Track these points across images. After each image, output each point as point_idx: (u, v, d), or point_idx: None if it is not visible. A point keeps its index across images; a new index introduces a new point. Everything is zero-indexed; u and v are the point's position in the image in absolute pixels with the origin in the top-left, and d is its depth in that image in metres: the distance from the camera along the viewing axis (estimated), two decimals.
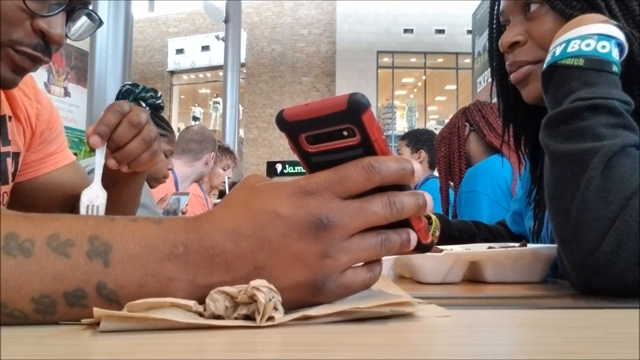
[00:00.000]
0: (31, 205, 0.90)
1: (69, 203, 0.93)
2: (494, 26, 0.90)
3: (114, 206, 0.81)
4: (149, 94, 1.86)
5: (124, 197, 0.87)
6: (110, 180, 0.80)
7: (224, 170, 3.07)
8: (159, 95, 1.90)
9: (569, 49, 0.65)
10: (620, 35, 0.66)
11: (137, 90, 1.84)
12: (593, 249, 0.55)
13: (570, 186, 0.58)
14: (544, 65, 0.68)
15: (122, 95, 1.84)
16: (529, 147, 0.91)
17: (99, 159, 0.76)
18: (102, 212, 0.76)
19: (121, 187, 0.85)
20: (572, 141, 0.60)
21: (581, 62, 0.64)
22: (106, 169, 0.77)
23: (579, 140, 0.59)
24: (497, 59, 0.90)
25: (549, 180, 0.62)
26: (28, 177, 0.90)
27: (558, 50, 0.67)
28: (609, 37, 0.65)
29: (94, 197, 0.76)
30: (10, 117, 0.84)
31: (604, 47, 0.64)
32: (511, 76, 0.82)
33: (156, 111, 1.88)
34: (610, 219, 0.55)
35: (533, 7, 0.79)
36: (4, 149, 0.82)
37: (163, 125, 1.92)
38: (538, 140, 0.68)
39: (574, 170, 0.58)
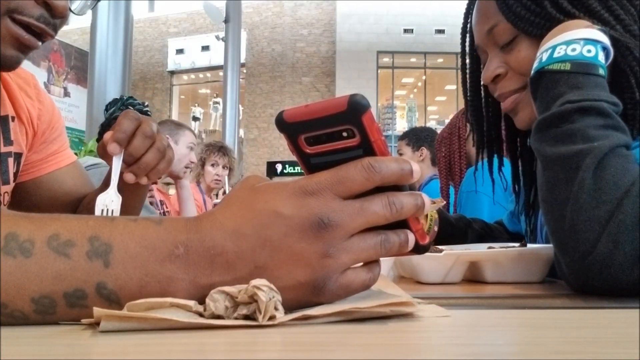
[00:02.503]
0: (33, 205, 0.90)
1: (71, 203, 0.93)
2: (466, 58, 0.91)
3: (120, 214, 0.80)
4: (136, 102, 1.90)
5: (129, 205, 0.86)
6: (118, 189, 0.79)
7: (212, 166, 2.99)
8: (146, 104, 1.95)
9: (555, 54, 0.66)
10: (604, 39, 0.67)
11: (125, 97, 1.89)
12: (589, 251, 0.55)
13: (563, 189, 0.58)
14: (532, 72, 0.69)
15: (110, 104, 1.89)
16: (510, 157, 0.93)
17: (115, 166, 0.76)
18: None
19: (128, 195, 0.84)
20: (562, 144, 0.60)
21: (568, 66, 0.65)
22: (121, 180, 0.77)
23: (569, 142, 0.60)
24: (471, 91, 0.91)
25: (542, 184, 0.62)
26: (30, 177, 0.90)
27: (545, 56, 0.67)
28: (594, 42, 0.66)
29: (109, 201, 0.76)
30: (13, 118, 0.84)
31: (589, 51, 0.65)
32: (502, 106, 0.84)
33: None
34: (605, 219, 0.55)
35: (501, 36, 0.79)
36: (6, 149, 0.82)
37: None
38: (516, 152, 0.68)
39: (566, 172, 0.58)
